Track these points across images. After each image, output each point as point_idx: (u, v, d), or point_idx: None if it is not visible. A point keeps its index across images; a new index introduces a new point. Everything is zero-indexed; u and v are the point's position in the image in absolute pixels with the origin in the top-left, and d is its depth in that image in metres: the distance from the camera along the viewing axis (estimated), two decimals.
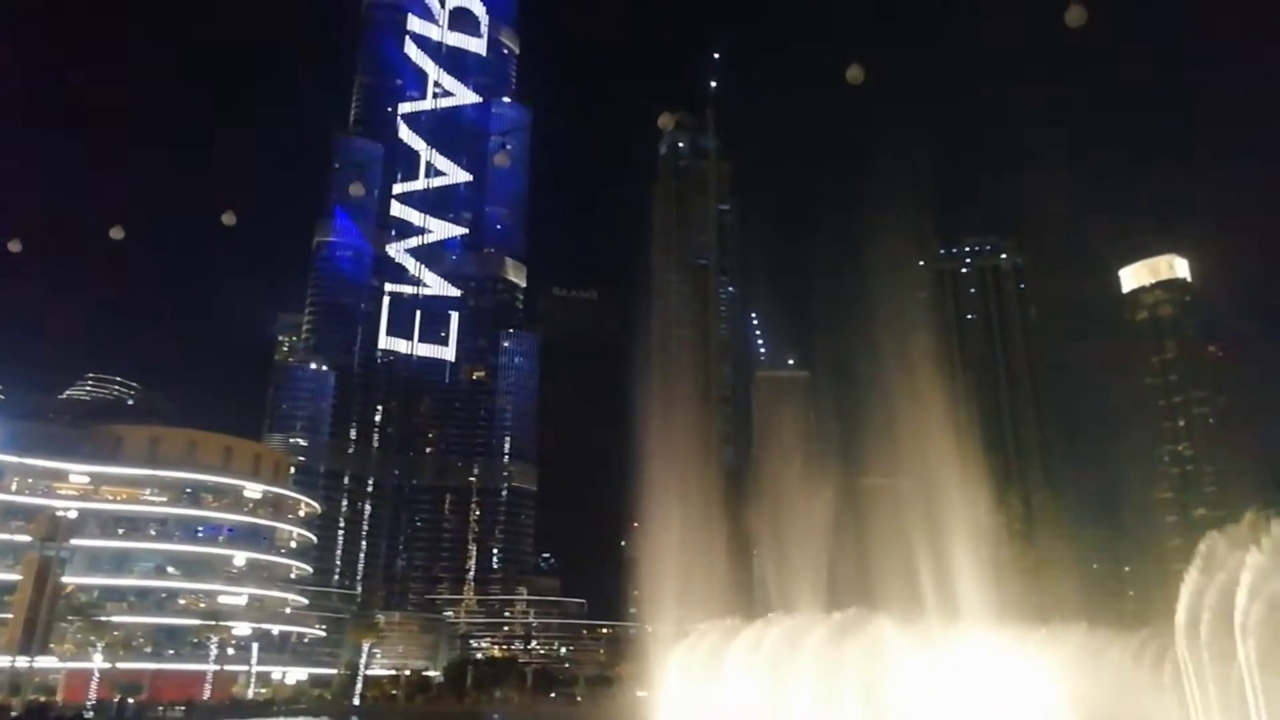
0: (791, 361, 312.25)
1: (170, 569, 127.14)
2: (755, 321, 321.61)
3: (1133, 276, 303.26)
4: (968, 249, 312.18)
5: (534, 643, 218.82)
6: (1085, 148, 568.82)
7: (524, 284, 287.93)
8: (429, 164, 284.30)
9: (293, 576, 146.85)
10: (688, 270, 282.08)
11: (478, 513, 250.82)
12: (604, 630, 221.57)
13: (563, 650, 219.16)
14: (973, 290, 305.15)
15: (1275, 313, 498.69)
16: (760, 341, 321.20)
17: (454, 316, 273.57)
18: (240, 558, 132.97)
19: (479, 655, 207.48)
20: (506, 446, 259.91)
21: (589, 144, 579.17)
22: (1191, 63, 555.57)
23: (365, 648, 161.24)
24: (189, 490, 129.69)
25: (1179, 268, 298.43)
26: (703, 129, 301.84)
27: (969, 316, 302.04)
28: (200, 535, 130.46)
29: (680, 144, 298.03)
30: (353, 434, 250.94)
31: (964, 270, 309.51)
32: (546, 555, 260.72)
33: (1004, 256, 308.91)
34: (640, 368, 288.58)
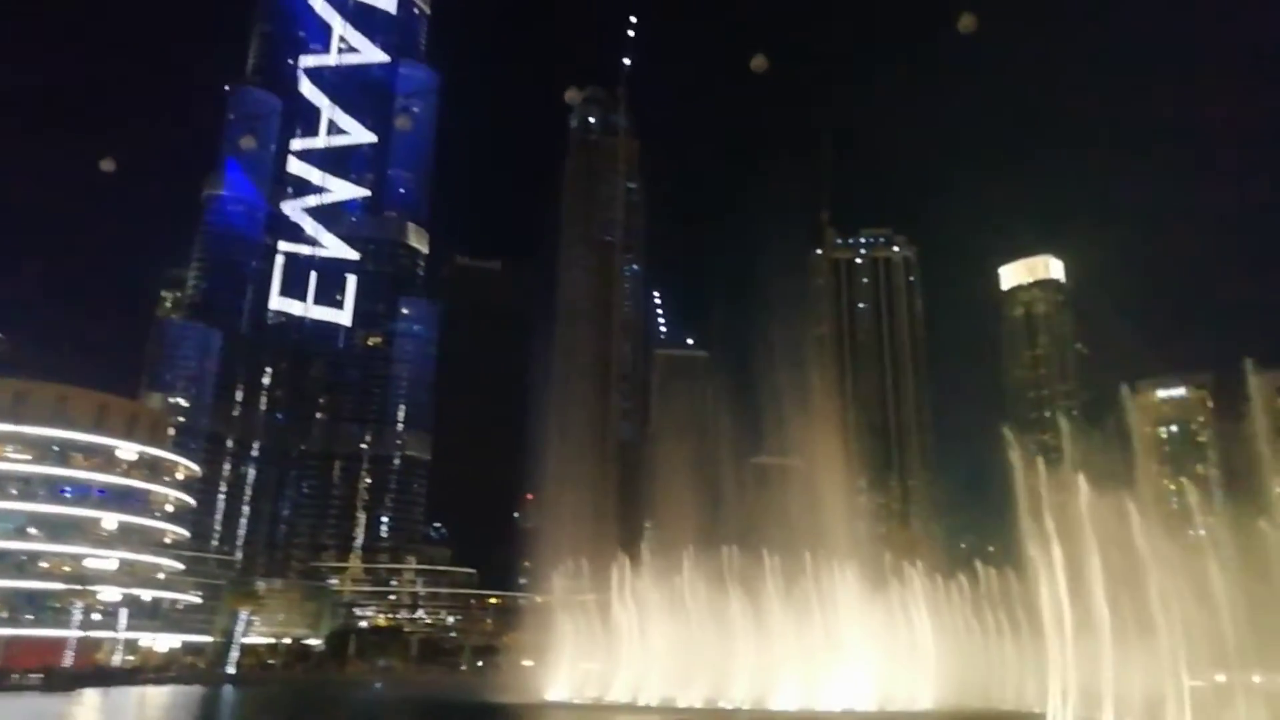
0: (691, 341, 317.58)
1: (32, 530, 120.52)
2: (657, 300, 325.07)
3: (1012, 274, 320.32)
4: (863, 239, 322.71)
5: (421, 612, 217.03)
6: (976, 149, 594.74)
7: (426, 250, 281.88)
8: (330, 121, 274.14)
9: (168, 541, 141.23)
10: (593, 246, 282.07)
11: (368, 481, 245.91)
12: (493, 600, 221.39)
13: (450, 620, 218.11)
14: (865, 280, 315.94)
15: (1139, 316, 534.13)
16: (661, 320, 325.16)
17: (351, 280, 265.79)
18: (111, 520, 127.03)
19: (363, 624, 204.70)
20: (401, 415, 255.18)
21: (499, 113, 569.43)
22: (1074, 74, 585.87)
23: (243, 615, 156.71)
24: (56, 448, 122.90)
25: (1054, 269, 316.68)
26: (614, 106, 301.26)
27: (860, 305, 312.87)
28: (68, 496, 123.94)
29: (591, 119, 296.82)
30: (238, 396, 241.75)
31: (858, 260, 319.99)
32: (438, 525, 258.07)
33: (896, 249, 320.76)
34: (541, 341, 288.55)
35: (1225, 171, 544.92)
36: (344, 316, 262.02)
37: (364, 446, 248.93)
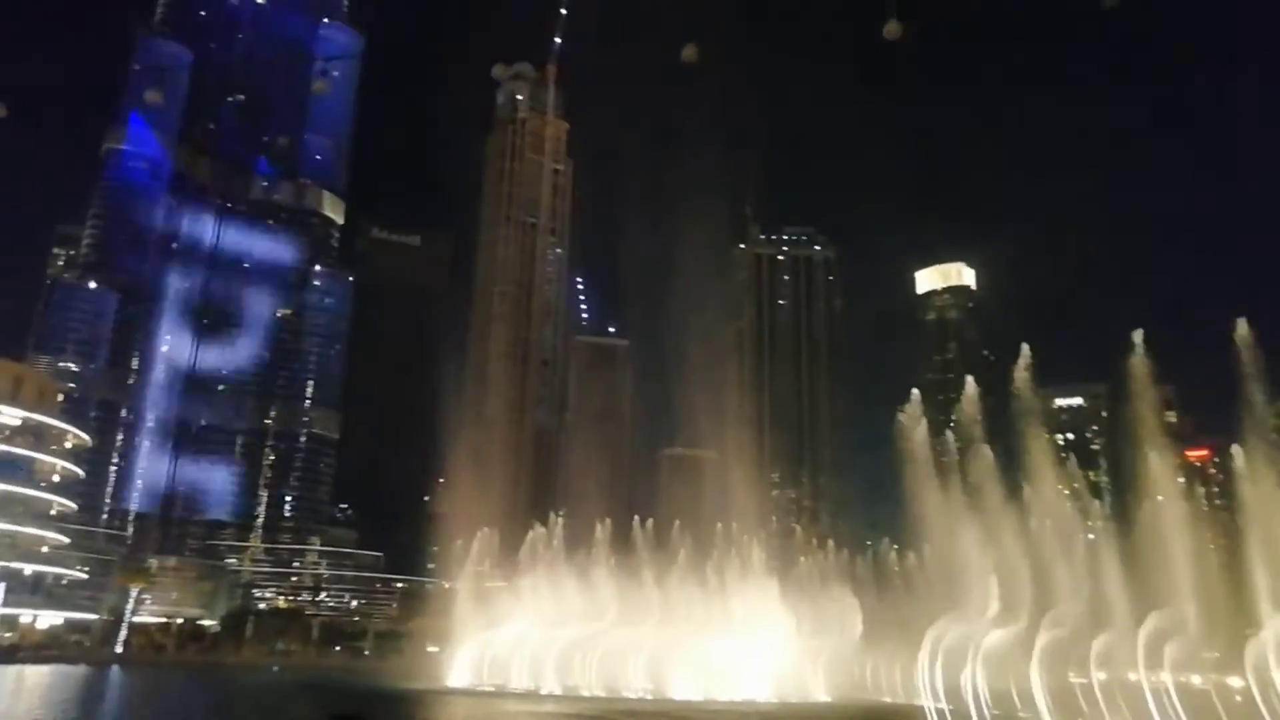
0: (612, 329, 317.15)
1: None
2: (580, 286, 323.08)
3: (926, 279, 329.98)
4: (785, 237, 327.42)
5: (323, 595, 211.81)
6: (898, 155, 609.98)
7: (341, 221, 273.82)
8: (244, 79, 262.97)
9: (53, 513, 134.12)
10: (516, 227, 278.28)
11: (271, 458, 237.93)
12: (399, 585, 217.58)
13: (354, 604, 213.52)
14: (786, 277, 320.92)
15: (1044, 325, 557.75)
16: (584, 306, 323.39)
17: (259, 247, 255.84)
18: None
19: (262, 606, 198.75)
20: (309, 391, 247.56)
21: (422, 83, 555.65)
22: (993, 87, 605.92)
23: (133, 593, 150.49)
24: None
25: (966, 275, 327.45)
26: (543, 85, 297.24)
27: (780, 301, 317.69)
28: None
29: (519, 97, 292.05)
30: (134, 363, 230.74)
31: (780, 257, 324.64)
32: (344, 506, 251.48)
33: (817, 248, 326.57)
34: (459, 321, 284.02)
35: (1134, 183, 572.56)
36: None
37: (268, 422, 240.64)
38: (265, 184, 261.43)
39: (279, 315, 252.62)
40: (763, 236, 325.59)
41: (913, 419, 59.08)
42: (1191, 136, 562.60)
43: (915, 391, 62.89)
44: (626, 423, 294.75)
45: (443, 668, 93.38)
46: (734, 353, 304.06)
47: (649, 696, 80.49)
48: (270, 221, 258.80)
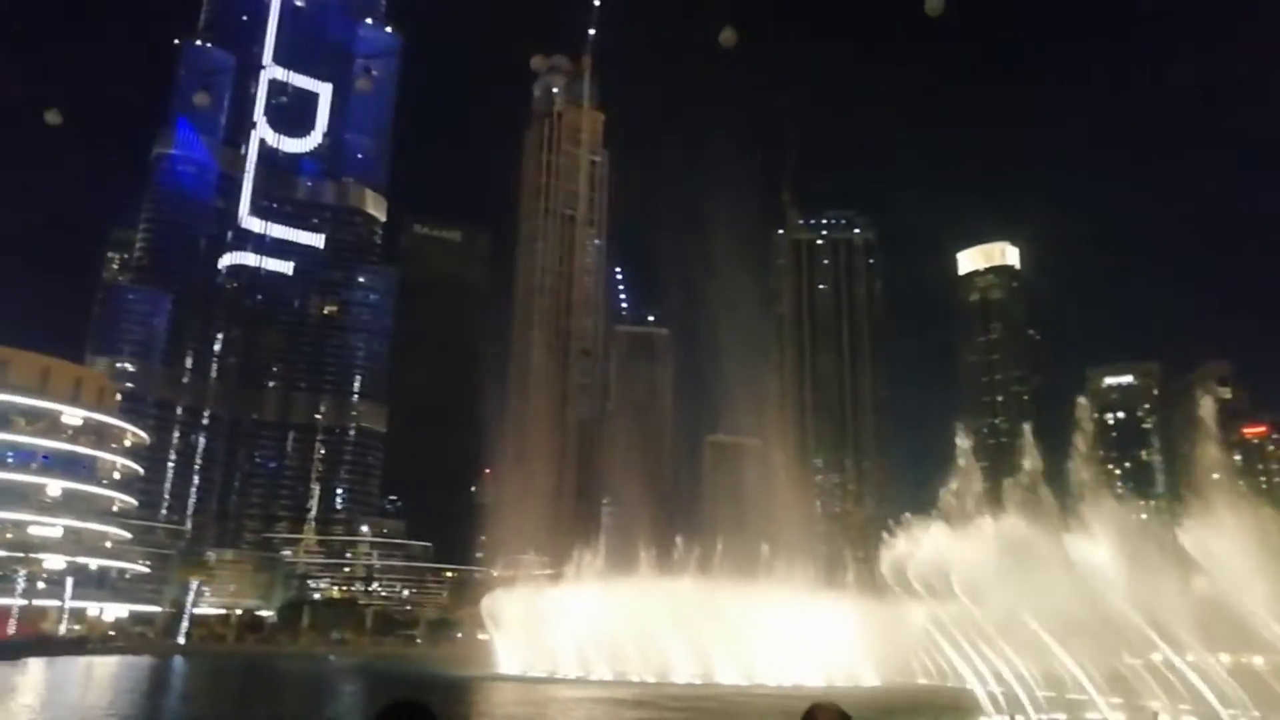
0: (652, 318, 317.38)
1: None
2: (619, 276, 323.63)
3: (969, 260, 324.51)
4: (824, 221, 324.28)
5: (375, 585, 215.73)
6: (938, 134, 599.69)
7: (383, 218, 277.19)
8: (286, 83, 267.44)
9: (115, 509, 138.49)
10: (555, 219, 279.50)
11: (322, 451, 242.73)
12: (449, 574, 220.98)
13: (405, 593, 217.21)
14: (825, 261, 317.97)
15: (1091, 304, 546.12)
16: (623, 296, 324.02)
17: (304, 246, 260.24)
18: (55, 487, 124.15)
19: (317, 596, 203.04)
20: (356, 385, 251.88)
21: (461, 79, 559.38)
22: (1037, 65, 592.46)
23: (193, 585, 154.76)
24: None
25: (1010, 255, 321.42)
26: (579, 76, 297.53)
27: (820, 286, 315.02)
28: (10, 461, 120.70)
29: (555, 89, 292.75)
30: (189, 363, 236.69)
31: (819, 241, 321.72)
32: (393, 497, 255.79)
33: (857, 231, 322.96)
34: (501, 314, 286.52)
35: (1181, 169, 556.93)
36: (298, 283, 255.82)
37: (318, 417, 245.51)
38: (309, 184, 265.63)
39: (325, 312, 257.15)
40: (801, 221, 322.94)
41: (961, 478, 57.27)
42: (1238, 118, 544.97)
43: (960, 443, 59.71)
44: (668, 411, 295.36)
45: (495, 655, 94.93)
46: (774, 339, 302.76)
47: (697, 682, 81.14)
48: (315, 221, 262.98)
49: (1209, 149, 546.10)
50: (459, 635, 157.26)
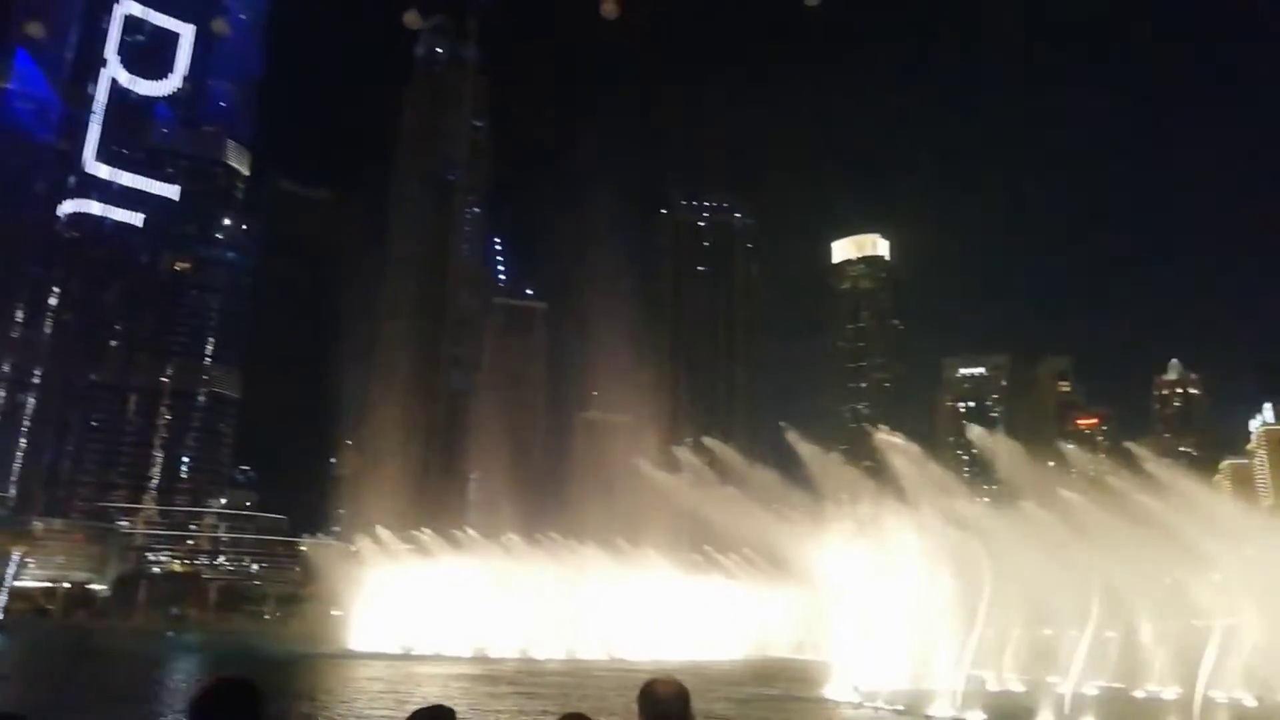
0: (530, 291, 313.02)
1: None
2: (498, 246, 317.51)
3: (841, 250, 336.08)
4: (706, 203, 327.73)
5: (222, 558, 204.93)
6: (818, 126, 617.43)
7: (246, 171, 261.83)
8: (144, 20, 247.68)
9: None
10: (433, 184, 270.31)
11: (168, 416, 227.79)
12: (303, 548, 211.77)
13: (254, 567, 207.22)
14: (705, 244, 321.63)
15: (951, 298, 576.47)
16: (501, 267, 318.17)
17: (157, 195, 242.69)
18: None
19: (156, 570, 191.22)
20: (209, 348, 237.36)
21: (336, 30, 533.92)
22: (907, 65, 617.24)
23: (15, 556, 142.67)
24: None
25: (880, 247, 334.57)
26: (464, 38, 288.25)
27: (699, 268, 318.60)
28: None
29: (438, 49, 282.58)
30: (19, 316, 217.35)
31: (700, 224, 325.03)
32: (245, 467, 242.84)
33: (737, 215, 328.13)
34: (370, 279, 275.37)
35: (1040, 172, 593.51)
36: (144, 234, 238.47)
37: (165, 380, 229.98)
38: (165, 130, 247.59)
39: (178, 269, 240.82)
40: (683, 203, 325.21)
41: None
42: (1107, 106, 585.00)
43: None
44: (542, 386, 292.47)
45: (346, 631, 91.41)
46: (651, 318, 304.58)
47: (559, 658, 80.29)
48: (170, 170, 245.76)
49: (1068, 152, 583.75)
50: (311, 612, 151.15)
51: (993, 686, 51.32)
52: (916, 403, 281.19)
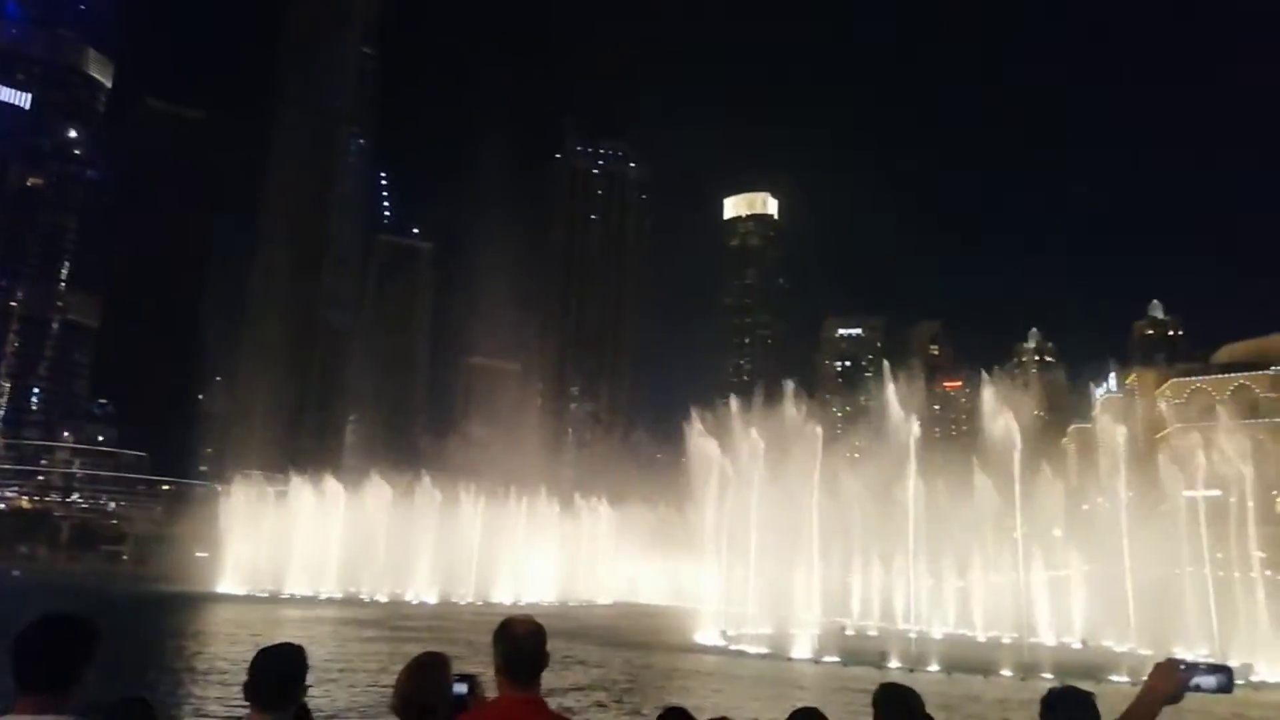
0: (417, 231, 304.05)
1: None
2: (384, 182, 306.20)
3: (733, 206, 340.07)
4: (601, 151, 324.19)
5: (76, 495, 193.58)
6: (718, 83, 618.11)
7: (109, 84, 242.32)
8: None
9: None
10: (315, 110, 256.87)
11: (17, 344, 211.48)
12: (165, 487, 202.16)
13: (112, 505, 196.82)
14: (600, 193, 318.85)
15: (834, 259, 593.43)
16: (387, 204, 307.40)
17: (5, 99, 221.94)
18: None
19: (2, 506, 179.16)
20: (64, 272, 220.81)
21: None
22: (811, 25, 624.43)
23: None
24: None
25: (770, 205, 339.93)
26: None
27: (592, 217, 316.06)
28: None
29: None
30: None
31: (595, 172, 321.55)
32: (103, 401, 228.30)
33: (633, 165, 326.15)
34: (245, 207, 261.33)
35: (928, 140, 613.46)
36: None
37: (14, 304, 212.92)
38: (14, 30, 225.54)
39: (29, 184, 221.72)
40: (579, 149, 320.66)
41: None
42: (993, 96, 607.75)
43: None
44: (426, 329, 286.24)
45: (211, 573, 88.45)
46: (542, 264, 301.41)
47: (431, 601, 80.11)
48: (20, 76, 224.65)
49: (948, 128, 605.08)
50: (174, 553, 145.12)
51: (849, 632, 54.58)
52: (798, 360, 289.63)
